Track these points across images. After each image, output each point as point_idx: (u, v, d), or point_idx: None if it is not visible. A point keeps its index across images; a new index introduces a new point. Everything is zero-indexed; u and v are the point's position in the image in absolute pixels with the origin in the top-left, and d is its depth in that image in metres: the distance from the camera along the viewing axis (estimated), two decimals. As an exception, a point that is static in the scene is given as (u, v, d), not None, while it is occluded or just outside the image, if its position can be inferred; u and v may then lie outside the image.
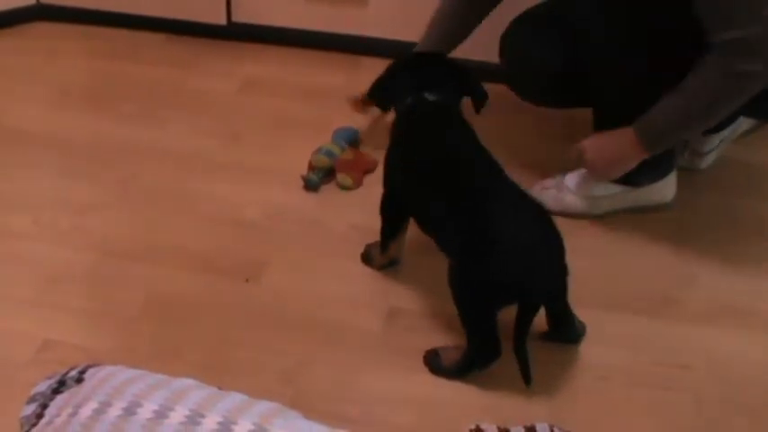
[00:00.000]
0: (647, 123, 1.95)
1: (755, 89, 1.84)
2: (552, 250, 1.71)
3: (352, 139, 2.33)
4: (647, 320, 1.91)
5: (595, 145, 2.07)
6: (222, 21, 2.78)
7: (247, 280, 1.96)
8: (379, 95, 2.01)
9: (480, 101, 1.96)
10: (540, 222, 1.73)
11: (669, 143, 2.00)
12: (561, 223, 2.10)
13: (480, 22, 2.21)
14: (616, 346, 1.84)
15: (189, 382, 1.12)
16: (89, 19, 2.87)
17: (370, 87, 2.00)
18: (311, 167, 2.24)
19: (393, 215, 1.93)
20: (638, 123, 1.96)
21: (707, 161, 2.34)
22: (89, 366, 1.17)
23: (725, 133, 2.33)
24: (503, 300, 1.69)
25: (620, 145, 2.01)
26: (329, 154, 2.25)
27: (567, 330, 1.83)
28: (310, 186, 2.22)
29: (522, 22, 2.17)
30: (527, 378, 1.70)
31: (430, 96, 1.87)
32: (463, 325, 1.73)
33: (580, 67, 2.03)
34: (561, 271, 1.72)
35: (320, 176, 2.23)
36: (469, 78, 1.95)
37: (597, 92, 2.06)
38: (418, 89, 1.88)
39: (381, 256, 1.98)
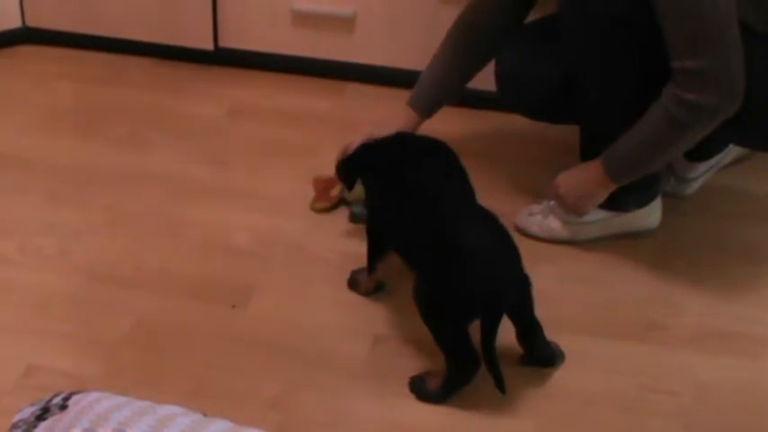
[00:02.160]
0: (613, 152, 1.96)
1: (712, 122, 1.83)
2: (509, 258, 1.72)
3: None
4: (634, 346, 1.91)
5: (566, 179, 2.08)
6: (209, 46, 2.79)
7: (234, 306, 1.96)
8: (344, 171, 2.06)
9: None
10: (496, 233, 1.74)
11: (635, 173, 2.00)
12: (547, 249, 2.13)
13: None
14: (603, 372, 1.84)
15: (174, 408, 1.11)
16: (76, 43, 2.87)
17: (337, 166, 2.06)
18: (345, 202, 2.22)
19: (378, 233, 1.94)
20: (605, 153, 1.97)
21: (692, 188, 2.35)
22: (73, 393, 1.17)
23: (711, 162, 2.34)
24: (469, 311, 1.69)
25: (589, 176, 2.03)
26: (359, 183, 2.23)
27: (541, 353, 1.82)
28: (358, 219, 2.18)
29: (516, 39, 2.17)
30: (501, 387, 1.70)
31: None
32: (437, 342, 1.73)
33: (573, 83, 2.04)
34: (522, 279, 1.72)
35: (363, 207, 2.19)
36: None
37: (584, 108, 2.07)
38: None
39: (368, 280, 1.98)
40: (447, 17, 2.46)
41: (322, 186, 2.27)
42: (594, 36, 1.92)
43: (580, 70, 2.01)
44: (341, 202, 2.24)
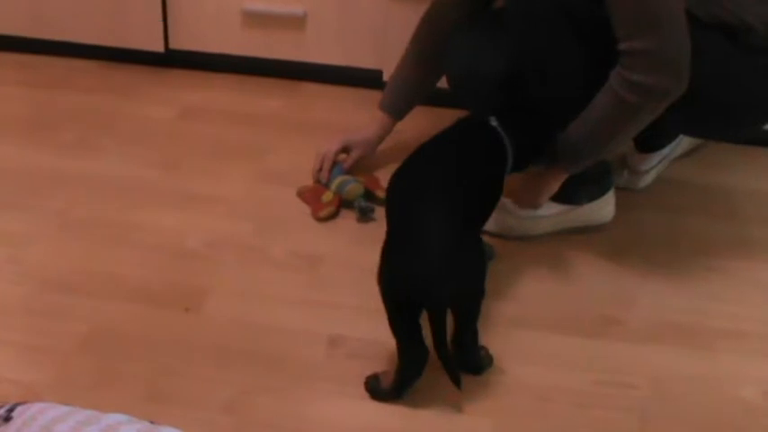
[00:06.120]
0: (563, 140, 1.95)
1: (660, 104, 1.82)
2: (458, 262, 1.68)
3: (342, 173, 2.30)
4: (589, 340, 1.92)
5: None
6: (160, 48, 2.76)
7: (187, 309, 1.94)
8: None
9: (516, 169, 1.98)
10: (461, 237, 1.71)
11: (587, 160, 1.98)
12: (500, 245, 2.13)
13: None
14: (558, 367, 1.85)
15: (120, 417, 1.10)
16: (23, 47, 2.84)
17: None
18: (341, 200, 2.21)
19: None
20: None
21: (646, 180, 2.36)
22: (18, 404, 1.15)
23: (664, 152, 2.35)
24: (398, 297, 1.68)
25: (540, 167, 2.02)
26: (353, 181, 2.23)
27: (470, 361, 1.80)
28: (367, 212, 2.18)
29: (464, 31, 2.15)
30: (457, 382, 1.69)
31: (493, 121, 1.89)
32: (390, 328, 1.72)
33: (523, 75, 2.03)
34: (471, 287, 1.70)
35: (365, 201, 2.20)
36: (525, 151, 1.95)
37: (534, 98, 2.06)
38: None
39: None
40: (398, 15, 2.47)
41: (311, 196, 2.25)
42: (540, 24, 1.91)
43: (527, 60, 2.00)
44: (342, 203, 2.22)
